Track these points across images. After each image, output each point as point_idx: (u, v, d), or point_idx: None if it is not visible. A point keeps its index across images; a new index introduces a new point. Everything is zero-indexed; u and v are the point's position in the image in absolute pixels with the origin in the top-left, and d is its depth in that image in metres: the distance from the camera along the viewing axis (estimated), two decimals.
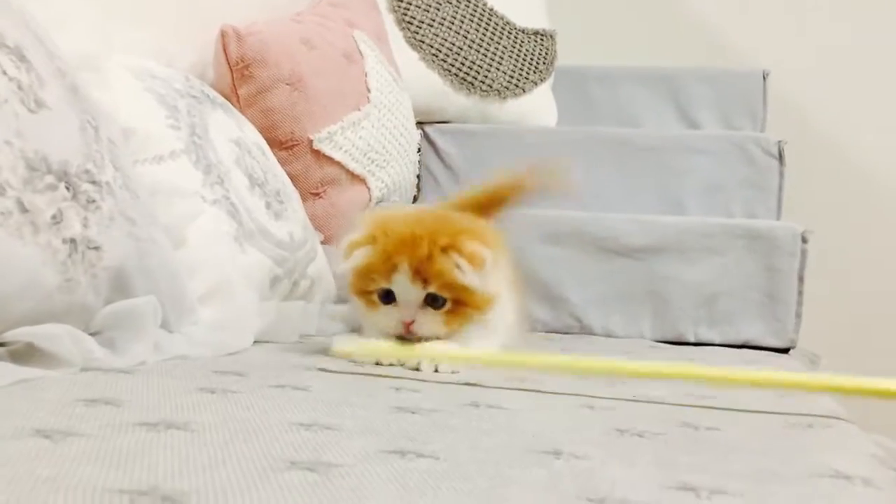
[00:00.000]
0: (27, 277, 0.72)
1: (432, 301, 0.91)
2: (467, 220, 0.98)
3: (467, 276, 0.89)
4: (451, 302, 0.91)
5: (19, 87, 0.78)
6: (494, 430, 0.60)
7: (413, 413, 0.64)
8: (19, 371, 0.67)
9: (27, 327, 0.71)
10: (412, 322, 0.91)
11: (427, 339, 0.91)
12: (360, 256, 0.92)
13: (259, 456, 0.48)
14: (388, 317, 0.92)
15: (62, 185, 0.77)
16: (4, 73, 0.77)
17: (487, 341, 0.94)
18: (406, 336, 0.91)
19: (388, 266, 0.90)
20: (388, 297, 0.92)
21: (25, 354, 0.72)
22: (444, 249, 0.90)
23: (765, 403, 0.79)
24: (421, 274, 0.89)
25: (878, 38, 2.22)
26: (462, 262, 0.89)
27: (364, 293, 0.93)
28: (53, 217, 0.75)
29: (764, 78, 2.02)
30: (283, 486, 0.43)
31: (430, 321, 0.91)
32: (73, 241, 0.77)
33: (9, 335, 0.71)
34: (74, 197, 0.78)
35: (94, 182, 0.82)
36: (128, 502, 0.39)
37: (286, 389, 0.71)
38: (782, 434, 0.65)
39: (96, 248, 0.79)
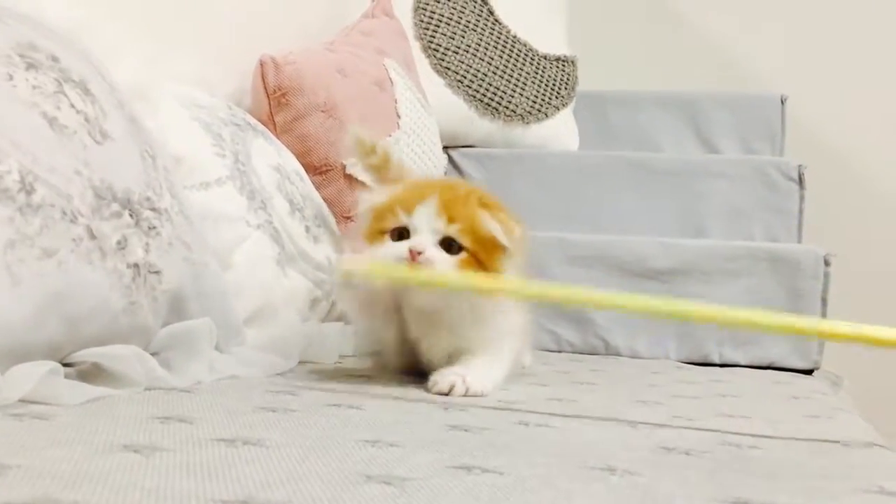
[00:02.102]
0: (96, 301, 0.75)
1: (448, 246, 0.85)
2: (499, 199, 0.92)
3: (497, 232, 0.85)
4: (468, 254, 0.85)
5: (86, 120, 0.82)
6: (547, 447, 0.63)
7: (466, 431, 0.67)
8: (91, 390, 0.70)
9: (96, 348, 0.75)
10: (422, 252, 0.83)
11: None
12: (384, 194, 0.89)
13: (335, 470, 0.52)
14: (396, 247, 0.85)
15: (126, 212, 0.81)
16: (72, 106, 0.81)
17: (495, 349, 0.90)
18: (411, 263, 0.84)
19: (414, 197, 0.86)
20: (401, 236, 0.86)
21: (91, 374, 0.75)
22: (481, 202, 0.87)
23: (798, 427, 0.82)
24: (448, 210, 0.85)
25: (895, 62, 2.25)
26: (494, 222, 0.86)
27: (377, 235, 0.87)
28: (118, 243, 0.79)
29: (782, 102, 2.06)
30: (365, 497, 0.46)
31: (440, 257, 0.84)
32: (136, 265, 0.81)
33: (77, 356, 0.74)
34: (137, 224, 0.82)
35: (154, 209, 0.85)
36: None
37: (342, 408, 0.75)
38: (822, 453, 0.67)
39: (157, 273, 0.83)
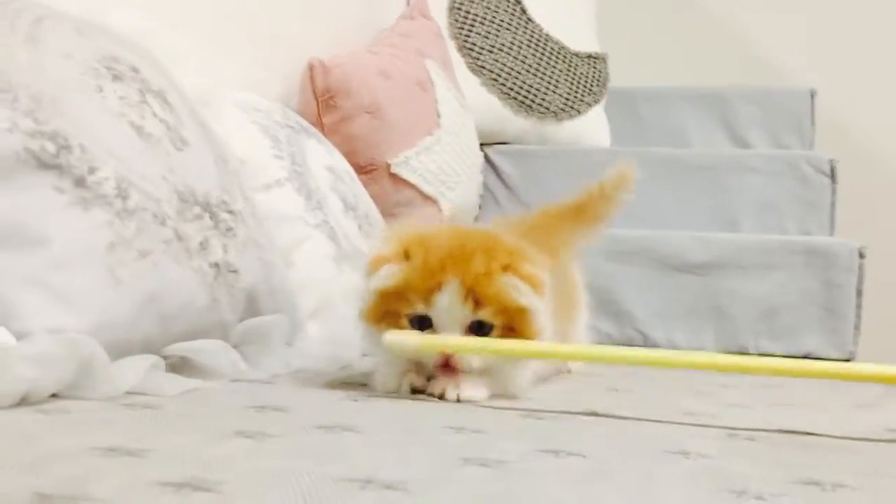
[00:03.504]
0: (185, 299, 0.80)
1: (478, 329, 0.77)
2: (513, 240, 0.83)
3: (527, 300, 0.77)
4: (500, 329, 0.78)
5: (168, 128, 0.87)
6: (618, 435, 0.68)
7: (540, 419, 0.72)
8: (186, 382, 0.75)
9: (186, 343, 0.80)
10: (453, 354, 0.76)
11: (470, 370, 0.77)
12: (392, 274, 0.77)
13: (434, 453, 0.56)
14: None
15: (206, 215, 0.86)
16: (155, 115, 0.86)
17: (520, 375, 0.82)
18: (443, 371, 0.77)
19: (430, 284, 0.76)
20: (422, 324, 0.77)
21: (179, 366, 0.80)
22: (505, 268, 0.77)
23: (849, 414, 0.86)
24: (474, 294, 0.76)
25: None
26: (521, 284, 0.77)
27: (389, 319, 0.78)
28: (201, 244, 0.84)
29: (812, 96, 2.09)
30: (471, 477, 0.51)
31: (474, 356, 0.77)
32: (217, 265, 0.85)
33: (168, 350, 0.79)
34: (216, 225, 0.87)
35: (230, 211, 0.90)
36: (359, 489, 0.46)
37: (417, 398, 0.79)
38: (878, 438, 0.71)
39: (234, 272, 0.88)
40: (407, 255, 0.78)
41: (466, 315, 0.76)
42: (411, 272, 0.77)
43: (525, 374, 0.83)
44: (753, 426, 0.72)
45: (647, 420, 0.75)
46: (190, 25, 1.27)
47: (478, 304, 0.76)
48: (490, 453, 0.57)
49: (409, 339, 0.76)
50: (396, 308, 0.77)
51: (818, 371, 0.75)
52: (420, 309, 0.77)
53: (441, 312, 0.76)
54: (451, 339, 0.77)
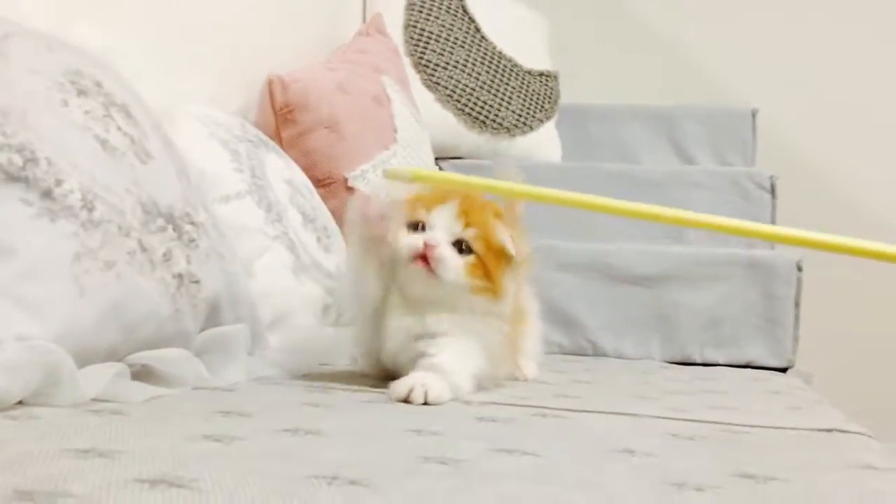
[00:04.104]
0: (148, 309, 0.82)
1: (459, 248, 0.90)
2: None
3: (509, 245, 0.90)
4: (476, 258, 0.90)
5: (132, 142, 0.89)
6: (568, 435, 0.72)
7: (494, 421, 0.75)
8: (151, 389, 0.77)
9: (150, 351, 0.81)
10: (437, 245, 0.88)
11: (442, 275, 0.88)
12: (414, 189, 0.93)
13: (395, 453, 0.59)
14: (412, 238, 0.90)
15: (170, 226, 0.88)
16: (119, 128, 0.88)
17: (462, 341, 0.91)
18: (422, 258, 0.88)
19: (436, 198, 0.91)
20: (415, 229, 0.91)
21: (143, 375, 0.82)
22: (496, 214, 0.91)
23: (782, 416, 0.91)
24: (465, 215, 0.90)
25: (864, 74, 2.37)
26: (508, 236, 0.90)
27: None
28: (164, 255, 0.86)
29: (753, 115, 2.17)
30: (431, 473, 0.54)
31: (452, 256, 0.89)
32: (180, 276, 0.87)
33: (132, 358, 0.81)
34: (179, 237, 0.89)
35: (192, 223, 0.92)
36: (326, 485, 0.49)
37: (376, 404, 0.82)
38: (807, 437, 0.76)
39: (197, 282, 0.90)
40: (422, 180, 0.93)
41: (456, 231, 0.89)
42: (426, 191, 0.92)
43: (489, 342, 0.93)
44: (693, 427, 0.77)
45: (595, 421, 0.79)
46: (150, 40, 1.29)
47: (467, 224, 0.89)
48: (449, 452, 0.60)
49: (405, 169, 0.90)
50: (405, 212, 0.91)
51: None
52: (421, 215, 0.90)
53: (436, 220, 0.89)
54: (443, 174, 0.88)
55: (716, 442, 0.71)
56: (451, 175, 0.90)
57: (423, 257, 0.89)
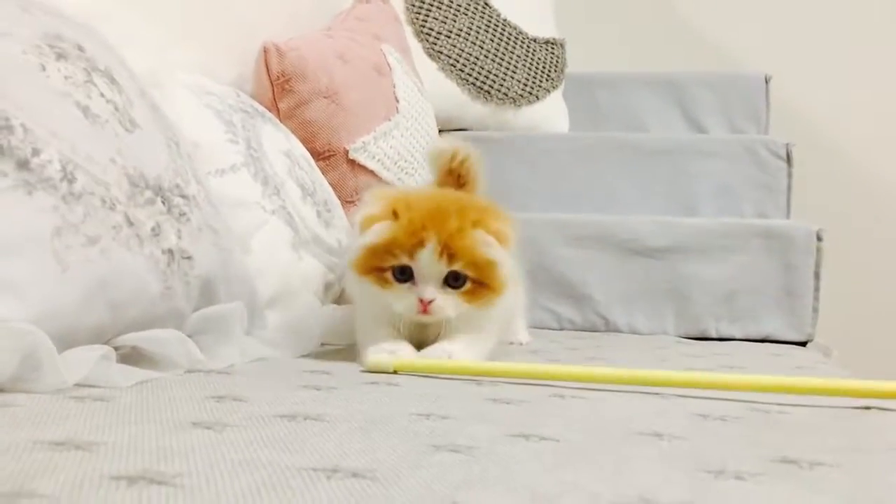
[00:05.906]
0: (136, 286, 0.77)
1: (453, 280, 0.90)
2: (483, 200, 0.99)
3: (495, 253, 0.90)
4: (471, 282, 0.90)
5: (116, 109, 0.83)
6: (589, 417, 0.66)
7: (508, 403, 0.70)
8: (139, 373, 0.72)
9: (139, 332, 0.76)
10: (432, 301, 0.89)
11: (444, 316, 0.90)
12: (382, 231, 0.89)
13: (401, 441, 0.54)
14: (404, 297, 0.90)
15: (158, 199, 0.83)
16: (102, 95, 0.82)
17: (486, 333, 0.95)
18: (422, 316, 0.90)
19: (413, 241, 0.88)
20: (403, 274, 0.90)
21: (132, 357, 0.77)
22: (475, 224, 0.90)
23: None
24: (448, 249, 0.88)
25: (877, 40, 2.30)
26: (490, 238, 0.89)
27: (377, 271, 0.90)
28: (153, 230, 0.81)
29: (766, 81, 2.10)
30: (441, 464, 0.49)
31: (448, 302, 0.90)
32: (170, 251, 0.82)
33: (120, 340, 0.76)
34: (169, 210, 0.84)
35: (183, 196, 0.87)
36: (325, 478, 0.44)
37: (380, 385, 0.77)
38: (845, 416, 0.71)
39: (188, 258, 0.85)
40: (395, 215, 0.90)
41: (442, 269, 0.89)
42: (398, 230, 0.89)
43: (494, 326, 0.97)
44: (723, 406, 0.72)
45: (616, 401, 0.74)
46: (140, 6, 1.23)
47: (452, 258, 0.89)
48: (459, 439, 0.55)
49: (386, 359, 0.86)
50: (383, 260, 0.90)
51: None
52: (405, 261, 0.89)
53: (422, 266, 0.89)
54: (420, 361, 0.87)
55: (748, 423, 0.66)
56: (432, 362, 0.87)
57: (423, 311, 0.90)
